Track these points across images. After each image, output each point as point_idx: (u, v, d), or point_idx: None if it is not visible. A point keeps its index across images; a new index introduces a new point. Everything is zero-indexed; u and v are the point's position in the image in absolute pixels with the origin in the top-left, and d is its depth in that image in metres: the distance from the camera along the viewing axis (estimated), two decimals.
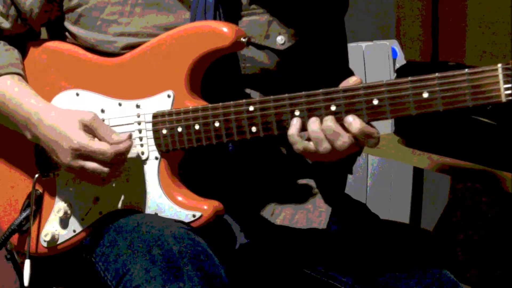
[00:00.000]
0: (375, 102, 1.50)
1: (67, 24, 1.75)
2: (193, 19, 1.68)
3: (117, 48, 1.70)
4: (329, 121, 1.53)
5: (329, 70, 1.80)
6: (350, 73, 1.82)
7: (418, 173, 3.04)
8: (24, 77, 1.76)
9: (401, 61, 2.99)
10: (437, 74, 1.46)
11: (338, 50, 1.85)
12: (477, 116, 2.26)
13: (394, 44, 3.02)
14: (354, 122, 1.52)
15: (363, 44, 2.95)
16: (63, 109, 1.70)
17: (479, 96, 1.43)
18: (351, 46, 2.81)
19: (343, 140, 1.52)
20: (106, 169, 1.63)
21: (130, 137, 1.64)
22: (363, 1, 3.14)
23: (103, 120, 1.68)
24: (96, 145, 1.62)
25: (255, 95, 1.71)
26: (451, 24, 3.08)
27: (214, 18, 1.68)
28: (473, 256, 3.10)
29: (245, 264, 1.73)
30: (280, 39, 1.73)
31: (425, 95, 1.47)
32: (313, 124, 1.54)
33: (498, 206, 3.04)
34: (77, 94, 1.71)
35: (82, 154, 1.62)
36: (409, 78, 1.48)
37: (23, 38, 1.79)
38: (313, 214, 1.75)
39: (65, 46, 1.75)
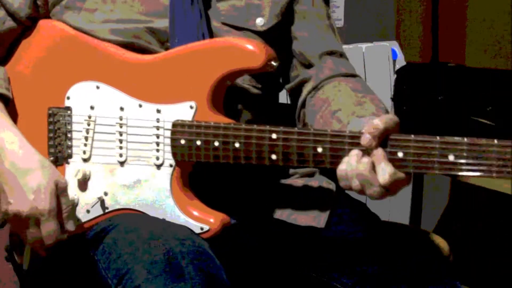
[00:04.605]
0: (400, 155, 1.48)
1: (55, 19, 1.75)
2: (172, 5, 1.69)
3: (106, 35, 1.70)
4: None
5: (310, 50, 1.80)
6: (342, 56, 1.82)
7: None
8: (8, 97, 1.74)
9: (401, 62, 2.98)
10: (466, 140, 1.44)
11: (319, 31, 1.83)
12: (476, 117, 2.26)
13: (394, 45, 3.02)
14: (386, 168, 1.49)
15: (363, 46, 2.94)
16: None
17: (504, 170, 1.41)
18: (351, 47, 2.82)
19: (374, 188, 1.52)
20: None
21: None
22: (363, 2, 3.14)
23: (121, 118, 1.67)
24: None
25: (239, 81, 1.71)
26: (451, 25, 3.08)
27: (191, 4, 1.68)
28: (473, 256, 3.10)
29: (246, 265, 1.73)
30: (260, 21, 1.74)
31: (451, 158, 1.45)
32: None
33: (498, 206, 3.05)
34: (98, 87, 1.69)
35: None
36: (438, 138, 1.46)
37: (17, 34, 1.78)
38: (314, 214, 1.76)
39: (87, 37, 1.73)
